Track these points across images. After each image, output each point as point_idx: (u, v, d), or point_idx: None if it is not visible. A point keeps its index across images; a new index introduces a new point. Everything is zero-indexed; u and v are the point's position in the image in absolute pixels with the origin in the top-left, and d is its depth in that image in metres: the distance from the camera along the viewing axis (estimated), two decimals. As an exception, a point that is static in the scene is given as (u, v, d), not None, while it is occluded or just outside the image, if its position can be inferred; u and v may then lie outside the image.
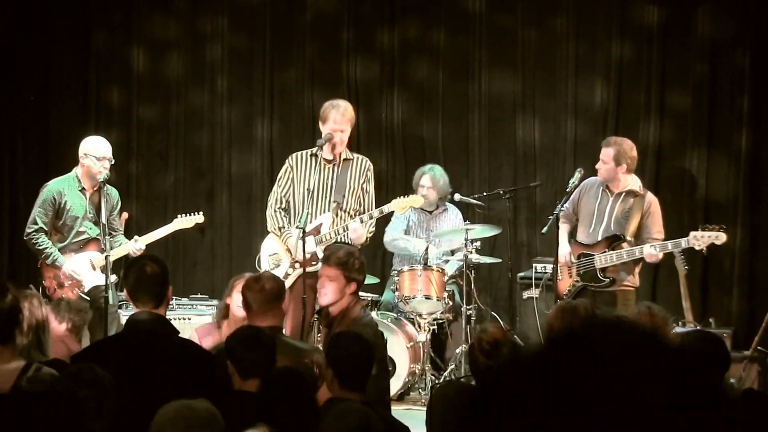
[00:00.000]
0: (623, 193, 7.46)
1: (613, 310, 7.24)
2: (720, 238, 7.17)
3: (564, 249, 7.52)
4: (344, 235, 7.20)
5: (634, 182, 7.51)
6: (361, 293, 6.07)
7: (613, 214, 7.45)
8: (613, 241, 7.40)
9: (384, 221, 8.35)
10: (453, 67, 9.65)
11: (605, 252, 7.37)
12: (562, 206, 7.40)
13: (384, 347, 5.92)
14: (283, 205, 7.42)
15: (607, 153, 7.45)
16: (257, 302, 5.20)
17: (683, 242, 7.23)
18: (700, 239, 7.17)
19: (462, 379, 7.12)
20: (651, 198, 7.54)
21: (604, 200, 7.50)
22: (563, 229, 7.49)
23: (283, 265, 7.29)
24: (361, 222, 7.17)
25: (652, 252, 7.22)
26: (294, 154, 7.50)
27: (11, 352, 4.36)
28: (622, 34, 9.16)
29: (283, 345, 4.87)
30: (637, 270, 7.46)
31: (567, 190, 7.50)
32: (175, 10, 10.16)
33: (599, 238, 7.47)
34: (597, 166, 7.51)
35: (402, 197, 7.34)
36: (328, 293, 5.78)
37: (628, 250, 7.29)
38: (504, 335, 4.40)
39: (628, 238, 7.35)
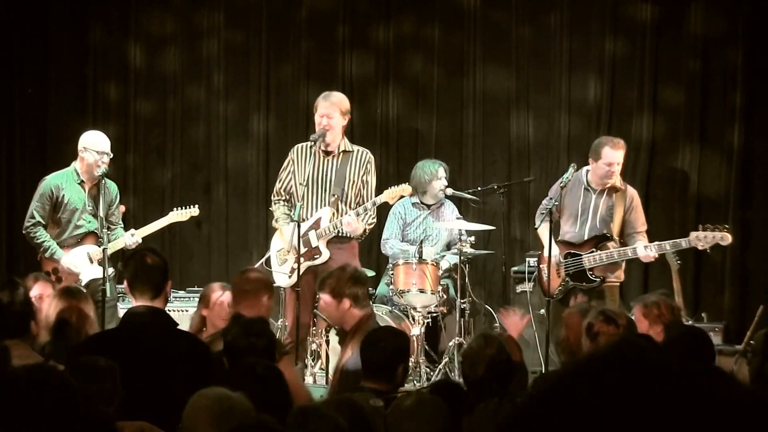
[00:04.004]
0: (605, 190, 7.43)
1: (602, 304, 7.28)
2: (725, 239, 7.05)
3: (554, 251, 7.47)
4: (342, 229, 7.24)
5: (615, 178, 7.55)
6: None
7: (598, 212, 7.40)
8: (600, 241, 7.36)
9: (380, 226, 8.37)
10: (448, 63, 9.69)
11: (593, 252, 7.32)
12: (556, 201, 7.42)
13: None
14: (285, 197, 7.48)
15: (623, 155, 7.36)
16: (240, 292, 5.37)
17: (683, 242, 7.13)
18: (703, 239, 7.04)
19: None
20: (632, 192, 7.51)
21: (588, 198, 7.44)
22: (546, 228, 7.47)
23: (289, 261, 7.33)
24: (357, 215, 7.21)
25: (648, 254, 7.15)
26: (296, 146, 7.56)
27: (26, 347, 4.40)
28: (616, 31, 9.21)
29: None
30: (622, 265, 7.49)
31: (560, 185, 7.50)
32: (172, 5, 10.20)
33: (585, 237, 7.43)
34: (612, 169, 7.30)
35: (391, 187, 7.39)
36: (326, 317, 5.89)
37: (620, 251, 7.24)
38: (498, 351, 4.30)
39: (615, 237, 7.34)
